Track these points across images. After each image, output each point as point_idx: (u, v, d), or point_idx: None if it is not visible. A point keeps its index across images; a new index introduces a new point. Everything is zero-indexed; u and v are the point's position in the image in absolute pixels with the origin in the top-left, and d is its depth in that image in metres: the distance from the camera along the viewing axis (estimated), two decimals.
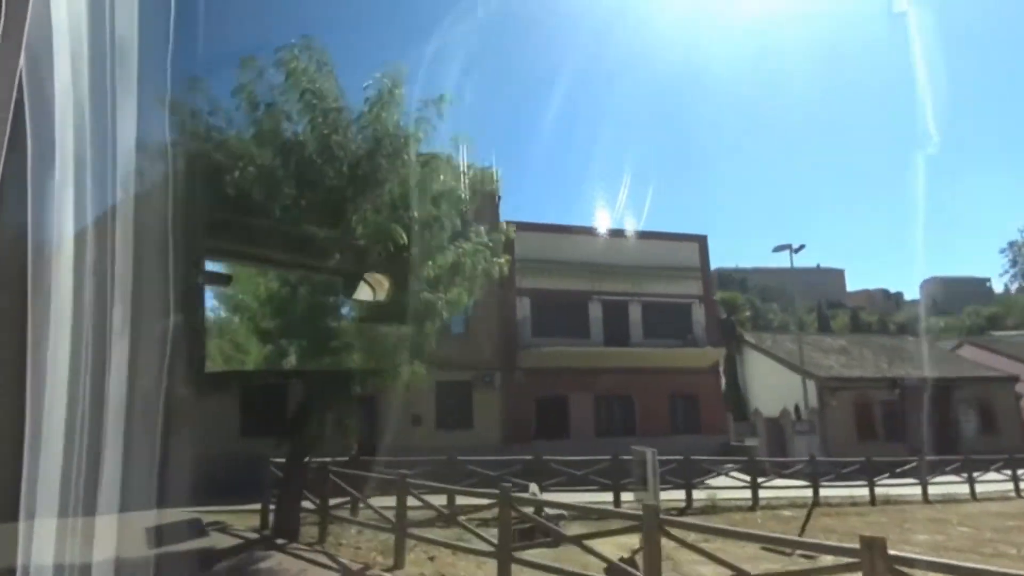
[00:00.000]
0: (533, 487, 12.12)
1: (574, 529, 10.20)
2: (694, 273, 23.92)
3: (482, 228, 9.66)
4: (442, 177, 8.58)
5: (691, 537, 5.95)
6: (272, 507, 10.55)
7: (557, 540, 6.55)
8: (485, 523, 10.31)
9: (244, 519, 11.12)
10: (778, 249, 17.89)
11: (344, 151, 8.47)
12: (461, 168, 8.95)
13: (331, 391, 8.78)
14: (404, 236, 7.93)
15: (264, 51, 8.95)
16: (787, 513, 13.95)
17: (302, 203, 8.52)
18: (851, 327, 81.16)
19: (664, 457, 15.87)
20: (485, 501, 8.32)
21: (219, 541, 9.15)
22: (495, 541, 7.38)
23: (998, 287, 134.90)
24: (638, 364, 22.01)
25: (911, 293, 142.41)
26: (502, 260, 9.43)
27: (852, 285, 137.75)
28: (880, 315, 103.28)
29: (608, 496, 13.82)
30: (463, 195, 9.25)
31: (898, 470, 16.50)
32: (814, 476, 15.23)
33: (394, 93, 8.53)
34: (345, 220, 8.51)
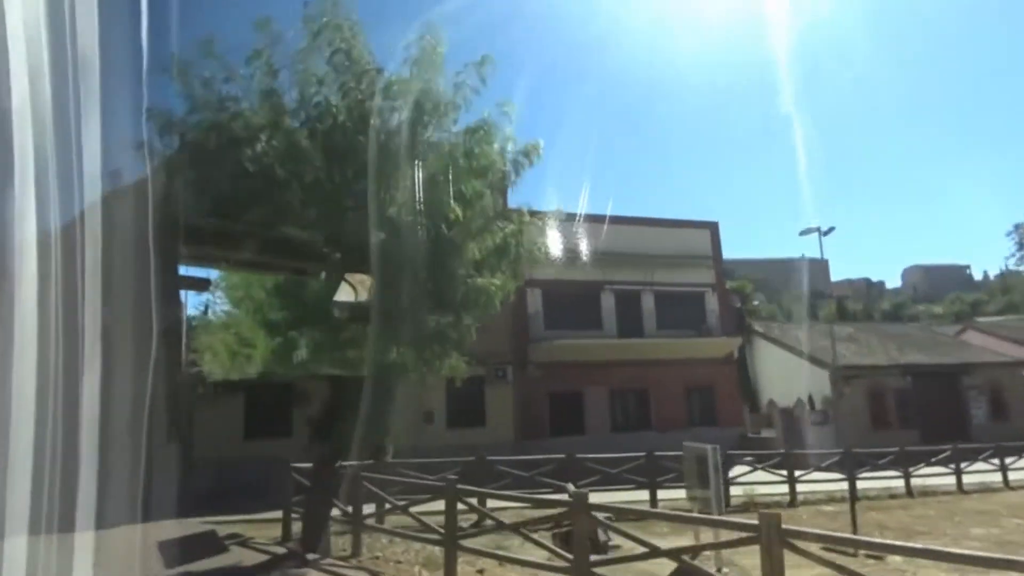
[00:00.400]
0: (570, 488, 11.32)
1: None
2: (706, 261, 23.27)
3: (524, 208, 8.79)
4: (494, 147, 7.69)
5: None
6: (295, 517, 9.64)
7: (653, 553, 5.76)
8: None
9: (262, 530, 10.19)
10: (805, 232, 17.32)
11: (380, 119, 7.54)
12: (506, 139, 8.05)
13: (370, 388, 7.87)
14: (459, 211, 7.06)
15: (282, 14, 8.02)
16: (829, 508, 13.34)
17: (335, 178, 7.60)
18: (837, 316, 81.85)
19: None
20: (510, 505, 7.55)
21: (242, 557, 8.22)
22: (560, 551, 6.58)
23: (977, 274, 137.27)
24: (653, 356, 21.32)
25: (892, 281, 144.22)
26: (548, 242, 8.57)
27: (835, 275, 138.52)
28: (864, 304, 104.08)
29: (642, 495, 13.08)
30: (507, 169, 8.39)
31: (933, 460, 15.96)
32: (851, 469, 14.60)
33: (436, 53, 7.62)
34: (381, 196, 7.61)
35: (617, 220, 21.85)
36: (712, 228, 23.79)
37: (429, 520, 8.26)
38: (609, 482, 12.73)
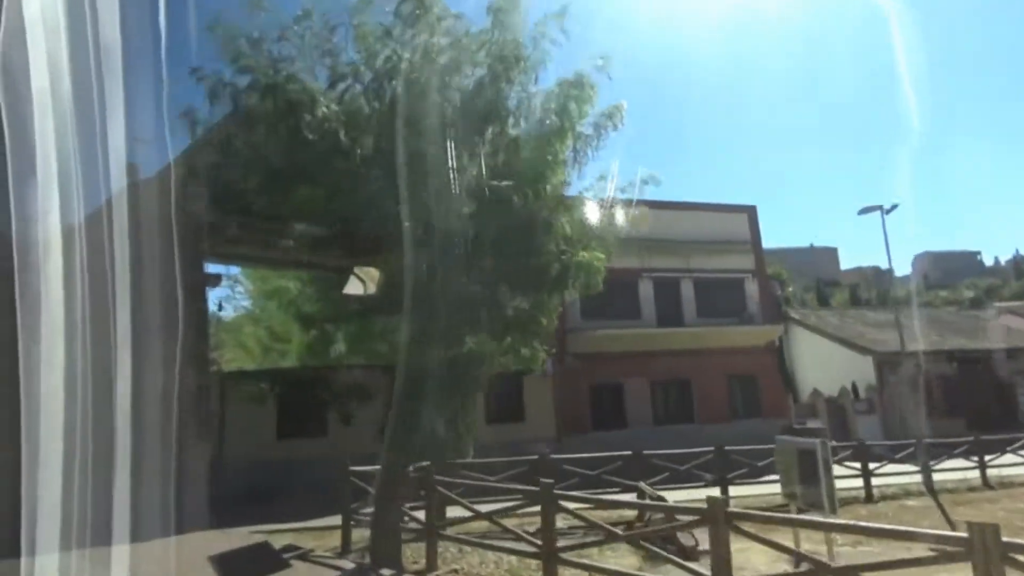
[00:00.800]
0: (645, 487, 10.45)
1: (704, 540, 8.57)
2: (745, 246, 22.31)
3: (608, 178, 7.88)
4: (590, 106, 6.75)
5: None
6: (353, 524, 8.78)
7: (822, 569, 4.87)
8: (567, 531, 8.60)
9: (317, 539, 9.33)
10: (864, 211, 16.32)
11: (459, 75, 6.63)
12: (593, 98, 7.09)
13: (446, 382, 6.98)
14: (561, 175, 6.15)
15: None
16: (912, 503, 12.43)
17: (408, 143, 6.68)
18: (850, 304, 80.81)
19: (753, 447, 14.39)
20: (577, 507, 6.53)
21: (306, 573, 7.36)
22: (695, 567, 5.69)
23: (988, 260, 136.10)
24: (694, 345, 20.41)
25: (901, 269, 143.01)
26: (639, 215, 7.64)
27: (845, 263, 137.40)
28: (877, 291, 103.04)
29: (709, 492, 12.17)
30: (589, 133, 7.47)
31: (1008, 449, 15.03)
32: (926, 460, 13.72)
33: (518, 1, 6.69)
34: (460, 163, 6.71)
35: (652, 204, 20.89)
36: (750, 212, 22.83)
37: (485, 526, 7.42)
38: (679, 479, 11.85)
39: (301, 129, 6.70)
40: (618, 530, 6.87)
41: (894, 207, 15.92)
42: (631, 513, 10.48)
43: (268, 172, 7.25)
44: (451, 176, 6.69)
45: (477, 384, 7.34)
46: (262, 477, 14.32)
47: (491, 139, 6.67)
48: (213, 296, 17.64)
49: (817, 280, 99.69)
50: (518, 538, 7.15)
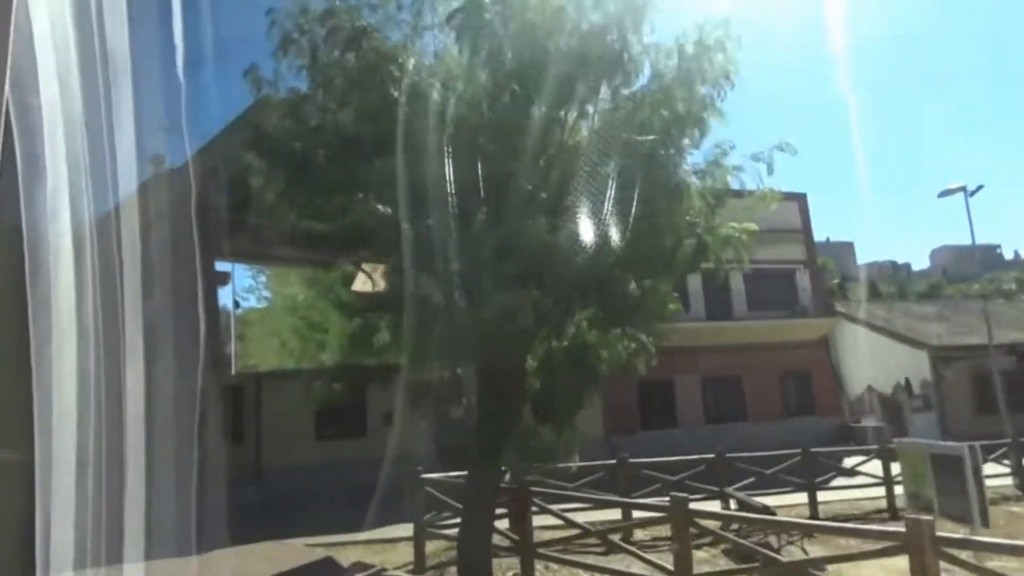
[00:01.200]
0: (734, 493, 9.48)
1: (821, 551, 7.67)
2: (795, 236, 21.24)
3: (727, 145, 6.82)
4: (734, 53, 5.69)
5: None
6: (425, 539, 7.84)
7: None
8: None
9: (380, 554, 8.41)
10: (945, 194, 15.18)
11: (578, 17, 5.61)
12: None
13: (555, 378, 6.01)
14: (701, 129, 5.18)
15: None
16: (1017, 509, 11.39)
17: (513, 99, 5.68)
18: (869, 298, 79.31)
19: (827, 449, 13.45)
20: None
21: None
22: None
23: (1008, 253, 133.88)
24: (744, 340, 19.40)
25: (918, 264, 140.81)
26: (770, 192, 6.62)
27: (861, 258, 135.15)
28: (897, 285, 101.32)
29: (795, 498, 11.17)
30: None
31: None
32: (1019, 460, 12.67)
33: None
34: (576, 119, 5.74)
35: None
36: (800, 200, 21.73)
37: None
38: (768, 484, 10.84)
39: (388, 86, 5.74)
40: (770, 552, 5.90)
41: (979, 188, 14.80)
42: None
43: (342, 139, 6.27)
44: (564, 134, 5.73)
45: (595, 380, 6.38)
46: (301, 481, 13.46)
47: (613, 91, 5.69)
48: (229, 289, 16.79)
49: (839, 275, 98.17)
50: (607, 550, 6.23)
